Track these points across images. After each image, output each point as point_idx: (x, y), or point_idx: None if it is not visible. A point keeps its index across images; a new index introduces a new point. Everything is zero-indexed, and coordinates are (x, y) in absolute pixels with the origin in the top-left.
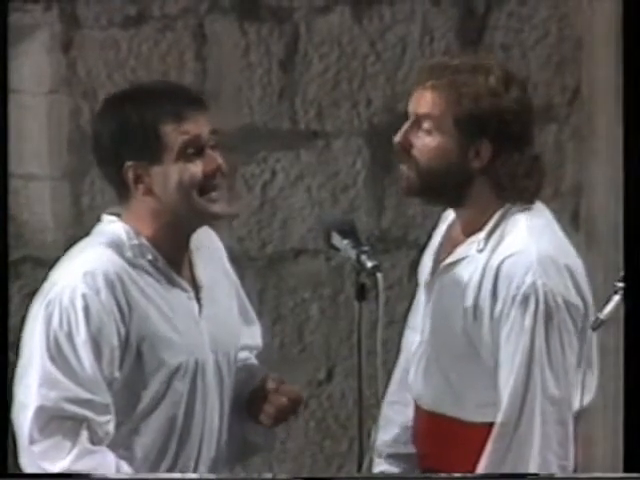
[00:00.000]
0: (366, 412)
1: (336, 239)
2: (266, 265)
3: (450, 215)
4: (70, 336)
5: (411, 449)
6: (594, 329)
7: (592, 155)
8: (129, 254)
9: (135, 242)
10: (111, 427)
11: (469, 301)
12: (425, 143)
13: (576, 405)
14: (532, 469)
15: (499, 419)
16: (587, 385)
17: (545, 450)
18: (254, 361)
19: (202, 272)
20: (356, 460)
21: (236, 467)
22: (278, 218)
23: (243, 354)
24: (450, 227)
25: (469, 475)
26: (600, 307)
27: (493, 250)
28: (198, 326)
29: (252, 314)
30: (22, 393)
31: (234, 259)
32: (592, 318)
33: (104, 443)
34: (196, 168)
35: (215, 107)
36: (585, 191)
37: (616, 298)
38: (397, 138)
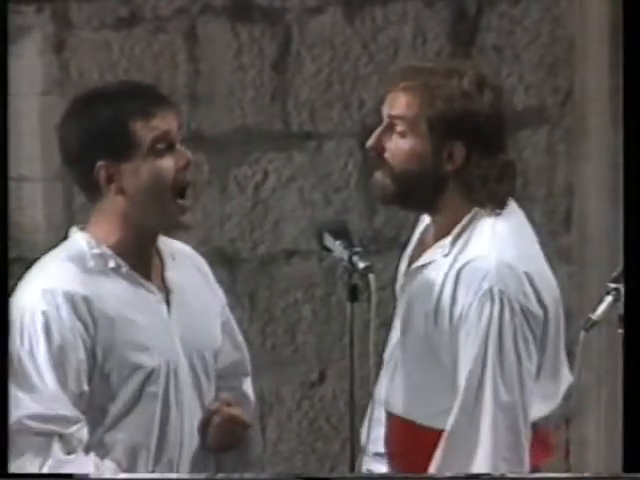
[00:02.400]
0: (358, 413)
1: (328, 240)
2: (258, 266)
3: (425, 219)
4: (32, 354)
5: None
6: (586, 330)
7: (584, 156)
8: (91, 264)
9: (96, 251)
10: (84, 433)
11: (431, 305)
12: (399, 146)
13: (538, 413)
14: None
15: (448, 424)
16: (549, 393)
17: (494, 456)
18: (244, 390)
19: (174, 277)
20: (348, 461)
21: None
22: (270, 219)
23: (236, 381)
24: (423, 231)
25: (469, 475)
26: (592, 308)
27: (457, 255)
28: (167, 328)
29: (239, 338)
30: None
31: (226, 260)
32: (555, 326)
33: (79, 449)
34: (167, 164)
35: (207, 108)
36: (577, 192)
37: (608, 299)
38: (370, 142)
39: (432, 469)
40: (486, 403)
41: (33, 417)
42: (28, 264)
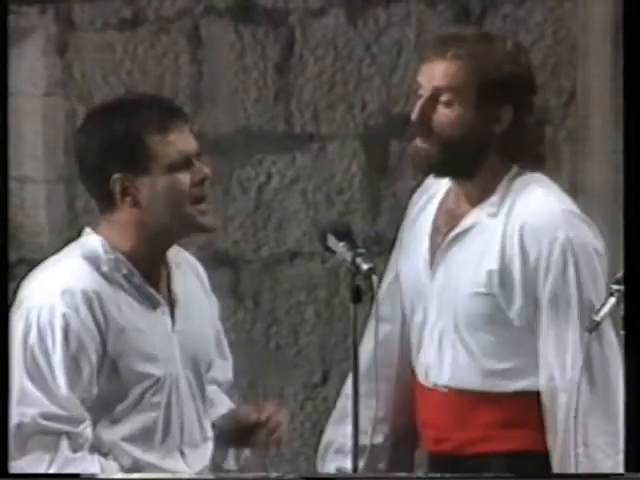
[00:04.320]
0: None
1: (331, 241)
2: (261, 268)
3: (437, 191)
4: (47, 355)
5: (365, 440)
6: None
7: (587, 157)
8: (105, 268)
9: (111, 256)
10: (89, 431)
11: (493, 266)
12: (446, 116)
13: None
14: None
15: (559, 383)
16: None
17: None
18: (220, 394)
19: (180, 287)
20: (351, 462)
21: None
22: (273, 221)
23: (211, 387)
24: (444, 202)
25: (469, 475)
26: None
27: (508, 213)
28: (170, 340)
29: (226, 349)
30: None
31: (229, 262)
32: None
33: (85, 447)
34: (184, 178)
35: (210, 110)
36: (580, 193)
37: (611, 300)
38: (414, 116)
39: (558, 436)
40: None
41: (46, 416)
42: (31, 266)
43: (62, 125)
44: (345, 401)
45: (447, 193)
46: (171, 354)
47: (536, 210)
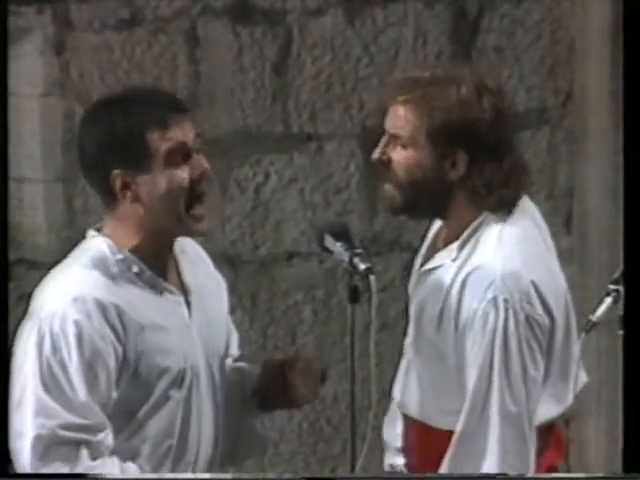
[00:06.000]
0: (359, 414)
1: (329, 242)
2: (259, 268)
3: (438, 222)
4: (63, 364)
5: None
6: (586, 331)
7: (585, 157)
8: (115, 270)
9: (119, 257)
10: (110, 439)
11: (436, 311)
12: (402, 158)
13: (546, 416)
14: None
15: (458, 426)
16: (560, 395)
17: (503, 464)
18: (241, 363)
19: (190, 276)
20: (349, 462)
21: (229, 470)
22: (271, 221)
23: (228, 360)
24: (436, 233)
25: (469, 475)
26: (592, 309)
27: (465, 260)
28: (189, 331)
29: (231, 324)
30: (18, 422)
31: (227, 262)
32: (564, 334)
33: (105, 455)
34: (183, 174)
35: (208, 110)
36: (578, 193)
37: (608, 300)
38: (375, 155)
39: (442, 469)
40: (493, 413)
41: (65, 426)
42: (29, 266)
43: (60, 125)
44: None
45: (440, 226)
46: (191, 345)
47: (480, 264)
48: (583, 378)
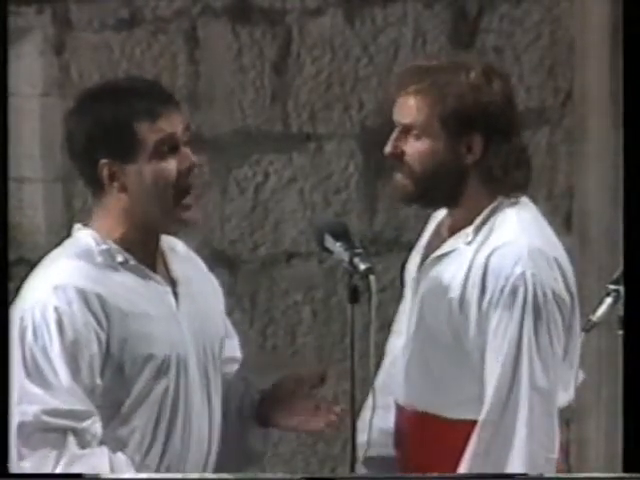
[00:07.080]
0: (359, 415)
1: (329, 241)
2: (258, 268)
3: (440, 214)
4: (45, 350)
5: (389, 452)
6: (586, 331)
7: (584, 157)
8: (99, 259)
9: (104, 247)
10: (97, 427)
11: (455, 293)
12: (416, 149)
13: (559, 401)
14: (518, 461)
15: (483, 414)
16: (569, 382)
17: (531, 442)
18: (247, 375)
19: (177, 269)
20: (349, 462)
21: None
22: (270, 221)
23: (233, 367)
24: (439, 225)
25: (469, 474)
26: (592, 309)
27: (482, 243)
28: (177, 320)
29: (231, 327)
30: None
31: (226, 262)
32: (578, 314)
33: (93, 444)
34: (170, 166)
35: (207, 110)
36: (578, 193)
37: (608, 300)
38: (387, 149)
39: (466, 460)
40: (523, 388)
41: (49, 412)
42: (29, 265)
43: (59, 125)
44: (365, 411)
45: (444, 216)
46: (179, 335)
47: (504, 243)
48: (581, 375)
